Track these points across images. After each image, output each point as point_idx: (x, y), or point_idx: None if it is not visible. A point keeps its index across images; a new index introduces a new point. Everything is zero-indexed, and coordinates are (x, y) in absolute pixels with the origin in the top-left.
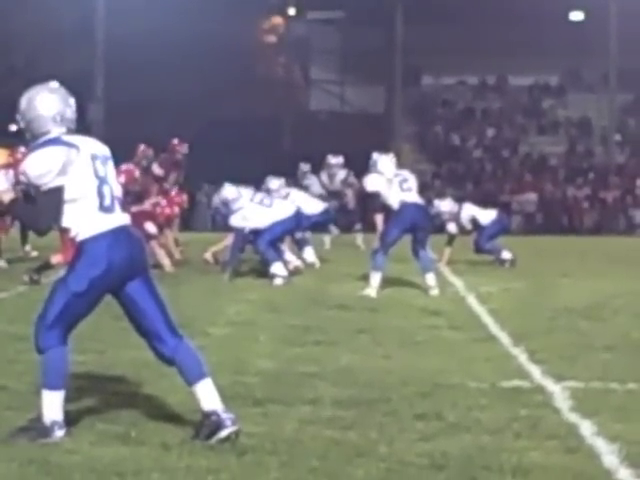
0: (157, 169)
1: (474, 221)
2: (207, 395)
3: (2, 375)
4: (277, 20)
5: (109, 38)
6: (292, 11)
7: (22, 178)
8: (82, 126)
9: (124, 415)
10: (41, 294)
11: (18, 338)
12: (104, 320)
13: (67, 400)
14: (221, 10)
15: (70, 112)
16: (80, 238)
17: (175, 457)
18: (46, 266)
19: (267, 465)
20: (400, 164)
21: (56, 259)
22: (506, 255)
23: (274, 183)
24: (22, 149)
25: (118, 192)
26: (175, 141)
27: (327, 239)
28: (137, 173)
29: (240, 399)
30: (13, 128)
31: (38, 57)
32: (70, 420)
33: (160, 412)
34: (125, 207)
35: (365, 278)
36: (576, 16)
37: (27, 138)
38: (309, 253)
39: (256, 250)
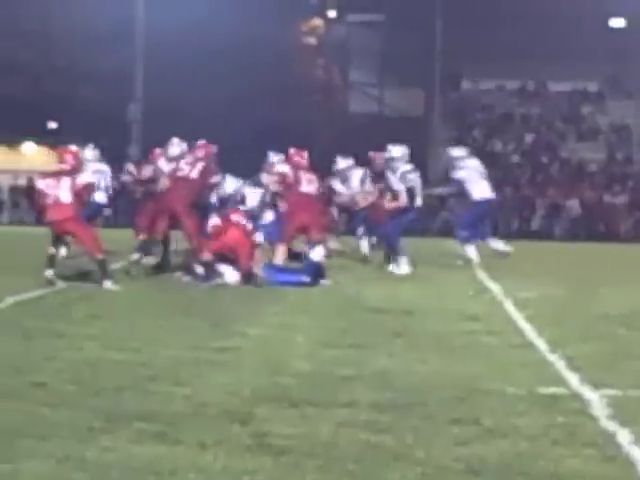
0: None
1: None
2: None
3: (40, 372)
4: (317, 22)
5: (149, 39)
6: (332, 13)
7: None
8: (121, 126)
9: (161, 414)
10: (79, 292)
11: (56, 335)
12: (141, 319)
13: (104, 398)
14: (261, 12)
15: None
16: None
17: (211, 457)
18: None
19: (303, 467)
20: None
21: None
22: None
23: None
24: (72, 148)
25: None
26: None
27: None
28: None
29: (277, 400)
30: (52, 126)
31: (78, 57)
32: (107, 418)
33: (197, 411)
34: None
35: (401, 282)
36: (616, 23)
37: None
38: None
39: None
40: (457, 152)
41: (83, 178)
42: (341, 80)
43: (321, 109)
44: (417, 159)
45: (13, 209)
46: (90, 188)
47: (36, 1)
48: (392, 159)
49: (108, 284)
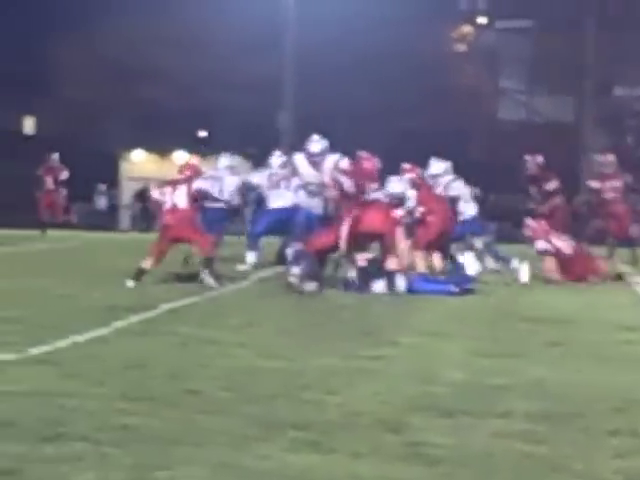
0: None
1: None
2: None
3: (195, 379)
4: (467, 29)
5: (299, 46)
6: (482, 20)
7: None
8: (271, 134)
9: (315, 422)
10: (231, 299)
11: (210, 342)
12: (292, 327)
13: (258, 406)
14: (411, 19)
15: None
16: None
17: (366, 466)
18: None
19: (458, 477)
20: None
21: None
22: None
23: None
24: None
25: None
26: None
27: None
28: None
29: (430, 410)
30: (203, 134)
31: (228, 64)
32: (262, 425)
33: (350, 421)
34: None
35: (555, 290)
36: None
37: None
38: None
39: None
40: None
41: (197, 184)
42: (491, 87)
43: (471, 116)
44: (568, 166)
45: None
46: (201, 193)
47: (185, 9)
48: (432, 176)
49: (207, 277)
